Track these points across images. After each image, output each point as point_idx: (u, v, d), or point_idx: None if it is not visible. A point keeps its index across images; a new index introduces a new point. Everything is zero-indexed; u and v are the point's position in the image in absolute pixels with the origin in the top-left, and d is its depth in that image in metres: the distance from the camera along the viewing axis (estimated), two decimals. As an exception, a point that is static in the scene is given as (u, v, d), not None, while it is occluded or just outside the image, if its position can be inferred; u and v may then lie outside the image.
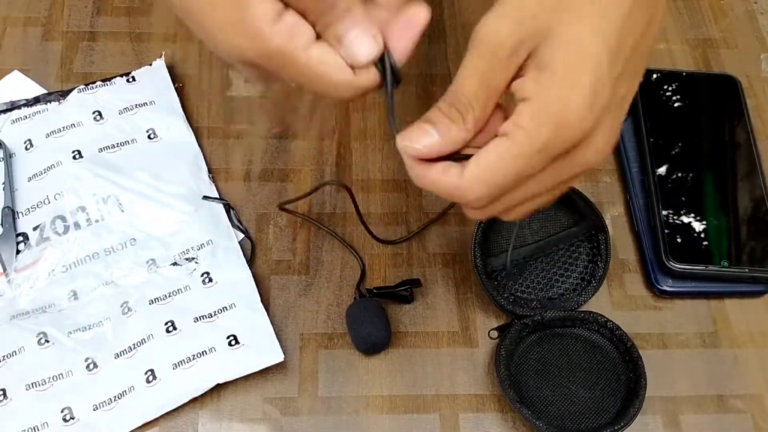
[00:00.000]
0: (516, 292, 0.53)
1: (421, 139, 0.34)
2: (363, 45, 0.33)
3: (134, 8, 0.65)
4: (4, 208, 0.53)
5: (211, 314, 0.51)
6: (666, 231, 0.55)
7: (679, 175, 0.57)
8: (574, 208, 0.54)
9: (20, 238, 0.53)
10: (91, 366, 0.49)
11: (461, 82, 0.33)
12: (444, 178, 0.34)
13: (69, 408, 0.48)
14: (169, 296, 0.52)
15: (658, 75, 0.61)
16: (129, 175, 0.55)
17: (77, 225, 0.53)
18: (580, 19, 0.32)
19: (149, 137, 0.57)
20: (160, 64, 0.60)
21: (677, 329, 0.54)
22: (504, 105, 0.35)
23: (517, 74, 0.33)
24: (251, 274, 0.53)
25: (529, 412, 0.47)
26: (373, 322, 0.50)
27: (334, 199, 0.57)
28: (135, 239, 0.53)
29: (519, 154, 0.32)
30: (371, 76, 0.34)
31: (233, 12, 0.31)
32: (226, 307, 0.51)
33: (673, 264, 0.53)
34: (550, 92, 0.32)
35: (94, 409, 0.48)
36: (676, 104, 0.60)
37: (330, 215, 0.56)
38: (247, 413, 0.49)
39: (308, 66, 0.32)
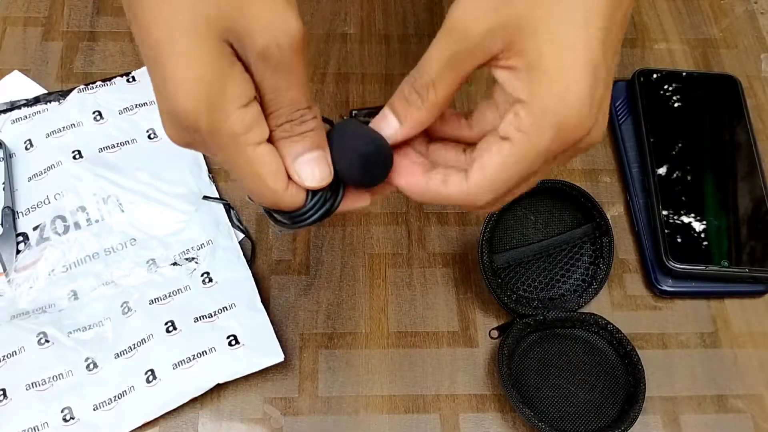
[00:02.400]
0: (518, 291, 0.53)
1: (382, 127, 0.34)
2: (317, 170, 0.33)
3: (134, 8, 0.64)
4: (4, 208, 0.54)
5: (211, 314, 0.51)
6: (666, 231, 0.55)
7: (679, 175, 0.57)
8: (579, 209, 0.54)
9: (20, 238, 0.53)
10: (91, 366, 0.49)
11: (427, 62, 0.33)
12: (448, 190, 0.34)
13: (69, 408, 0.48)
14: (169, 296, 0.52)
15: (658, 75, 0.61)
16: (129, 175, 0.55)
17: (77, 225, 0.53)
18: (561, 6, 0.30)
19: (149, 137, 0.57)
20: (160, 64, 0.60)
21: (677, 329, 0.54)
22: (494, 97, 0.34)
23: (493, 62, 0.32)
24: (251, 274, 0.53)
25: (531, 413, 0.47)
26: (359, 134, 0.35)
27: (334, 199, 0.57)
28: (135, 239, 0.53)
29: (523, 159, 0.32)
30: (295, 199, 0.33)
31: (208, 74, 0.29)
32: (226, 307, 0.51)
33: (673, 264, 0.53)
34: (547, 95, 0.31)
35: (94, 409, 0.48)
36: (676, 104, 0.60)
37: (330, 215, 0.56)
38: (247, 413, 0.49)
39: (250, 160, 0.31)
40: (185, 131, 0.31)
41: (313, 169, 0.33)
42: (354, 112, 0.36)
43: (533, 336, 0.52)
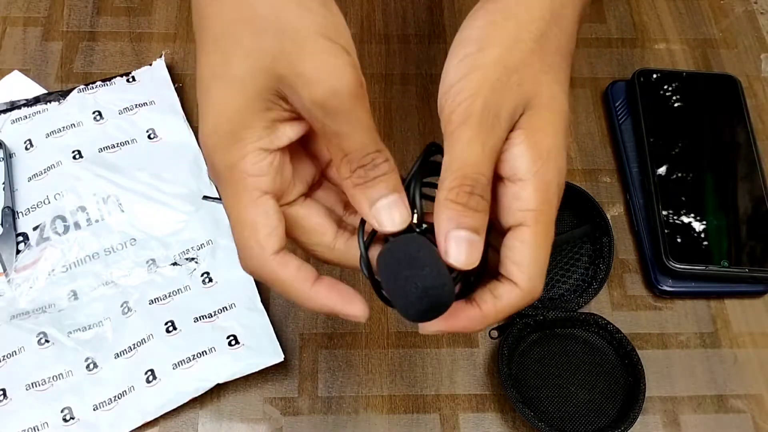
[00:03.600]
0: None
1: (467, 254, 0.31)
2: (395, 214, 0.32)
3: (134, 8, 0.65)
4: (4, 208, 0.54)
5: (211, 314, 0.51)
6: (666, 231, 0.55)
7: (679, 175, 0.57)
8: (579, 210, 0.54)
9: (20, 238, 0.53)
10: (91, 366, 0.49)
11: (473, 160, 0.31)
12: (507, 302, 0.32)
13: (69, 408, 0.48)
14: (169, 296, 0.52)
15: (658, 75, 0.61)
16: (129, 175, 0.55)
17: (77, 225, 0.53)
18: (556, 78, 0.33)
19: (149, 137, 0.57)
20: (160, 64, 0.60)
21: (677, 329, 0.54)
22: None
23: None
24: (251, 274, 0.53)
25: (531, 413, 0.47)
26: (425, 262, 0.30)
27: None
28: (135, 239, 0.53)
29: (546, 232, 0.32)
30: (270, 267, 0.31)
31: (236, 116, 0.30)
32: (226, 307, 0.51)
33: (673, 264, 0.53)
34: (547, 168, 0.32)
35: (94, 409, 0.48)
36: (676, 104, 0.60)
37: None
38: (247, 413, 0.49)
39: (248, 204, 0.31)
40: (210, 168, 0.32)
41: (392, 213, 0.32)
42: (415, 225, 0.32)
43: (533, 336, 0.52)
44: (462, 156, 0.31)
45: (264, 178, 0.31)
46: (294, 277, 0.32)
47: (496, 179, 0.33)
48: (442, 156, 0.32)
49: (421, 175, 0.33)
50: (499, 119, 0.31)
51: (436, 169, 0.33)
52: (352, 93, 0.29)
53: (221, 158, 0.31)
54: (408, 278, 0.30)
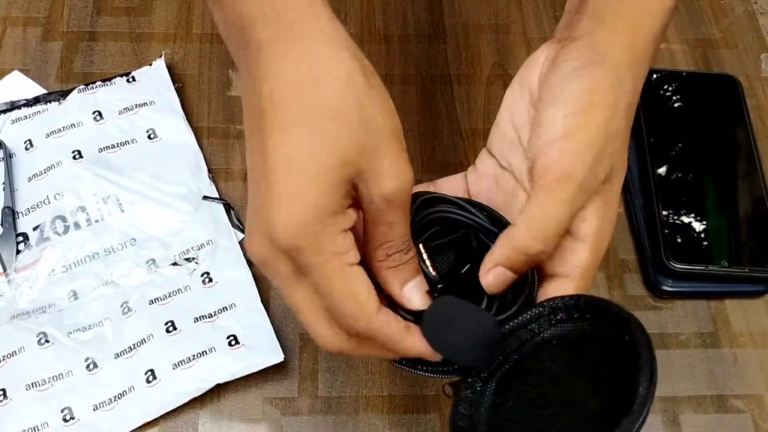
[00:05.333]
0: None
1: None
2: (420, 293, 0.36)
3: (134, 8, 0.65)
4: (4, 208, 0.54)
5: (211, 314, 0.51)
6: (666, 231, 0.55)
7: (679, 175, 0.57)
8: None
9: (20, 238, 0.53)
10: (91, 366, 0.49)
11: (558, 220, 0.35)
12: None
13: (69, 408, 0.48)
14: (169, 296, 0.52)
15: (658, 75, 0.61)
16: (129, 175, 0.55)
17: (77, 225, 0.53)
18: (625, 147, 0.38)
19: (149, 137, 0.57)
20: (160, 64, 0.60)
21: (677, 329, 0.54)
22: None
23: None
24: (251, 274, 0.53)
25: None
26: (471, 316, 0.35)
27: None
28: (135, 239, 0.53)
29: (587, 288, 0.37)
30: (385, 323, 0.34)
31: (325, 203, 0.32)
32: (226, 307, 0.51)
33: (673, 264, 0.53)
34: (604, 236, 0.37)
35: (94, 409, 0.48)
36: (676, 104, 0.60)
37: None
38: (247, 413, 0.49)
39: (347, 276, 0.33)
40: (273, 250, 0.33)
41: (419, 292, 0.36)
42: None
43: (490, 386, 0.37)
44: (549, 215, 0.35)
45: (349, 254, 0.33)
46: (396, 328, 0.35)
47: None
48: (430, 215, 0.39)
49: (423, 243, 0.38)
50: (593, 187, 0.36)
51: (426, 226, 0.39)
52: (409, 191, 0.34)
53: (308, 242, 0.32)
54: (463, 329, 0.35)
